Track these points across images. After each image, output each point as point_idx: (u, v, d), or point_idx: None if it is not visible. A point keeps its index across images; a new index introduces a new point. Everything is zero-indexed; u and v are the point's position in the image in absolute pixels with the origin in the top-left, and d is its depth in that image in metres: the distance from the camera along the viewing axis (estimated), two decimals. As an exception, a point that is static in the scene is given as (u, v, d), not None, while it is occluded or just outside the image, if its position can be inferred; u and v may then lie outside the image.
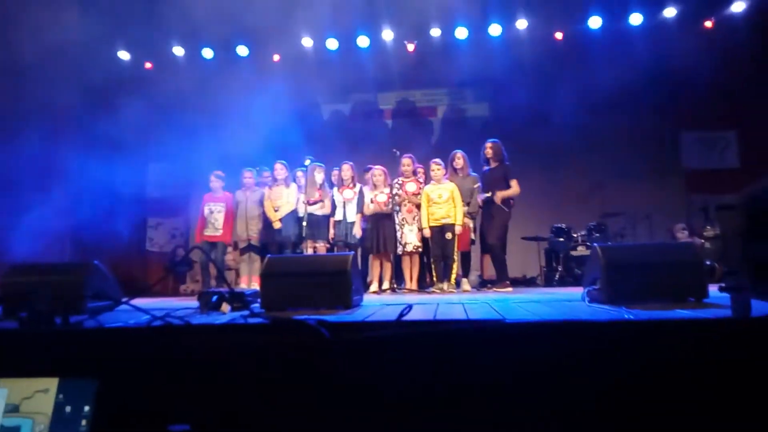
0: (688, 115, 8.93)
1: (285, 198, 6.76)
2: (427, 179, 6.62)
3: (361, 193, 6.55)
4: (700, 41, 8.32)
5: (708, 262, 5.91)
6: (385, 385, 1.89)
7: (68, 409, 1.73)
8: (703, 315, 2.14)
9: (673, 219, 8.21)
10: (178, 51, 9.41)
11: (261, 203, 6.89)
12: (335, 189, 6.72)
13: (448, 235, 6.01)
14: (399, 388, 1.88)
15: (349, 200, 6.55)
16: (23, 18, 6.45)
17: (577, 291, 4.04)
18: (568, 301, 3.46)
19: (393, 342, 1.94)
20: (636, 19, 8.81)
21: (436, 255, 6.06)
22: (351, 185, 6.62)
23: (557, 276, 7.71)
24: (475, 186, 6.38)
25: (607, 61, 8.43)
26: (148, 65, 9.60)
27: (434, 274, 6.11)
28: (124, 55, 9.35)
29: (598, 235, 7.61)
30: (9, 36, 6.52)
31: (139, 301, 2.78)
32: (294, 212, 6.71)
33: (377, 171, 6.45)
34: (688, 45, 8.12)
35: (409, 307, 2.21)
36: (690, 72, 7.98)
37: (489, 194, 6.19)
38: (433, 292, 5.82)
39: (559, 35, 9.09)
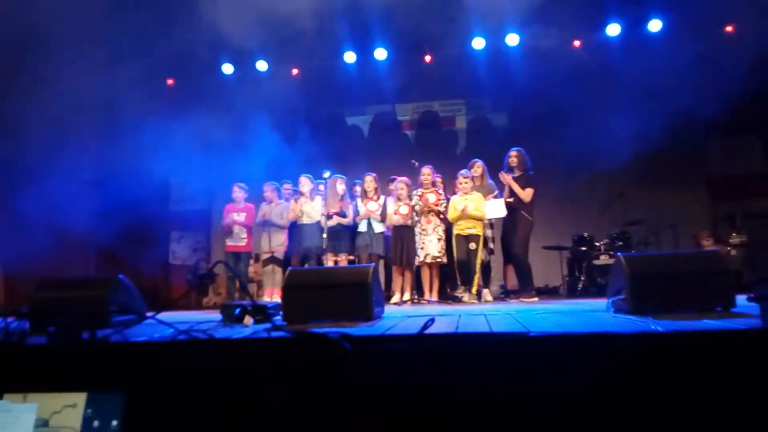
0: (712, 122, 8.79)
1: (309, 211, 6.80)
2: (446, 190, 6.63)
3: (385, 204, 6.58)
4: (723, 47, 8.20)
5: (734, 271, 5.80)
6: (407, 398, 1.88)
7: (96, 423, 1.76)
8: (732, 325, 2.09)
9: (698, 227, 8.07)
10: (200, 67, 9.53)
11: (283, 216, 6.93)
12: (359, 200, 6.75)
13: (472, 245, 6.05)
14: (421, 400, 1.87)
15: (374, 212, 6.58)
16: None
17: (601, 301, 3.99)
18: (592, 311, 3.41)
19: (416, 355, 1.93)
20: (655, 25, 8.69)
21: (460, 261, 6.08)
22: (375, 197, 6.65)
23: (580, 286, 7.61)
24: (492, 195, 6.40)
25: (628, 68, 8.36)
26: (169, 81, 9.75)
27: (457, 277, 6.12)
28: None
29: (620, 243, 7.50)
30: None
31: (162, 315, 2.81)
32: (317, 224, 6.74)
33: (400, 184, 6.47)
34: (710, 51, 8.01)
35: (432, 320, 2.20)
36: (713, 78, 7.86)
37: (506, 175, 6.29)
38: (454, 303, 5.79)
39: (577, 43, 9.02)
